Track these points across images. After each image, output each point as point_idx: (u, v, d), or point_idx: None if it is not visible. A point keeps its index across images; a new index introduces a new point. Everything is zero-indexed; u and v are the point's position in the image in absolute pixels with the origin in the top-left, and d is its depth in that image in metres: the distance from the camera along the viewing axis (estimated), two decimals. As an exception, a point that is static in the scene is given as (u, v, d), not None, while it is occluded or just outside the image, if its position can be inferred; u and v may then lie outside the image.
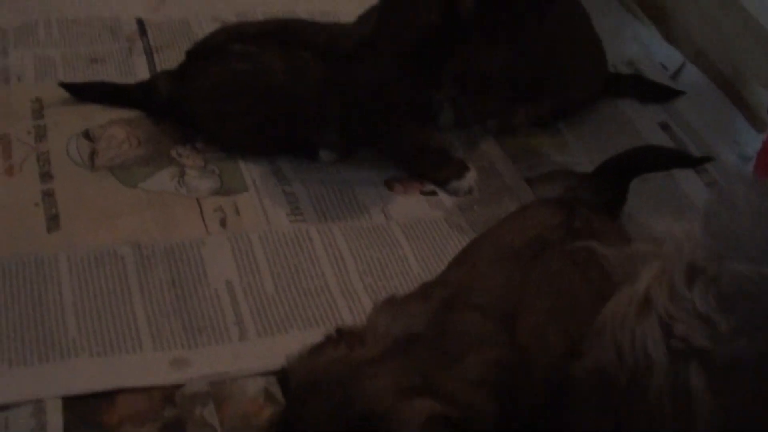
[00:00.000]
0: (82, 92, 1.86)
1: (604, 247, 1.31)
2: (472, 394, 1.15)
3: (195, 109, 1.78)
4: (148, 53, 1.99)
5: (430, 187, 1.78)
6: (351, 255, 1.62)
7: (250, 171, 1.76)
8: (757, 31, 1.91)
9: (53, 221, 1.60)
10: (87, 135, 1.78)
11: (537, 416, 1.24)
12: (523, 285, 1.30)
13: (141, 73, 1.94)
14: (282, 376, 1.23)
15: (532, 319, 1.25)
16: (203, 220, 1.64)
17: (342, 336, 1.20)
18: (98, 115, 1.82)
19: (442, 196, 1.77)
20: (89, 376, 1.39)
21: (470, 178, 1.77)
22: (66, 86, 1.85)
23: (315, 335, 1.39)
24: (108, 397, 1.37)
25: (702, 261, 1.14)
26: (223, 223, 1.65)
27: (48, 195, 1.65)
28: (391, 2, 1.65)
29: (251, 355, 1.45)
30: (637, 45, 2.17)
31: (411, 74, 1.66)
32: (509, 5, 1.62)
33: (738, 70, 1.99)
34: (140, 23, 2.06)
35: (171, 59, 1.96)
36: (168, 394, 1.39)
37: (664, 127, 1.97)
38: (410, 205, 1.74)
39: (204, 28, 2.03)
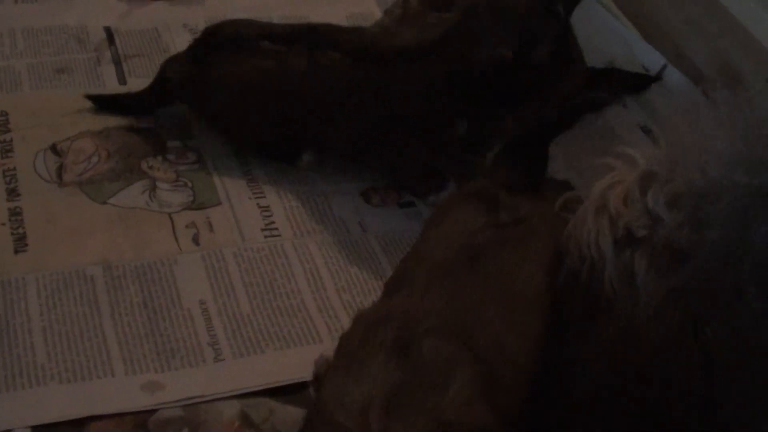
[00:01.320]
0: (107, 103, 1.82)
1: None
2: (470, 413, 1.12)
3: (209, 95, 1.74)
4: (117, 62, 1.93)
5: (409, 198, 1.74)
6: (328, 270, 1.58)
7: (224, 183, 1.71)
8: (740, 33, 1.88)
9: (20, 242, 1.55)
10: (54, 149, 1.72)
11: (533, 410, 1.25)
12: (469, 300, 1.25)
13: (110, 82, 1.89)
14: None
15: (488, 334, 1.21)
16: (175, 237, 1.60)
17: None
18: (67, 128, 1.77)
19: (421, 208, 1.73)
20: (59, 403, 1.34)
21: (449, 191, 1.72)
22: (91, 98, 1.81)
23: (292, 355, 1.38)
24: (79, 424, 1.33)
25: (657, 168, 1.23)
26: (196, 239, 1.60)
27: (15, 214, 1.60)
28: (465, 21, 1.59)
29: (227, 377, 1.41)
30: (617, 46, 2.13)
31: (458, 99, 1.59)
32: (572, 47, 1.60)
33: (722, 73, 1.95)
34: (108, 32, 2.00)
35: (141, 68, 1.92)
36: (141, 420, 1.35)
37: (646, 130, 1.94)
38: (388, 218, 1.70)
39: (174, 36, 1.99)
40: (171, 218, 1.63)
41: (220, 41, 1.73)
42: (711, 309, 1.13)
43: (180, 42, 1.97)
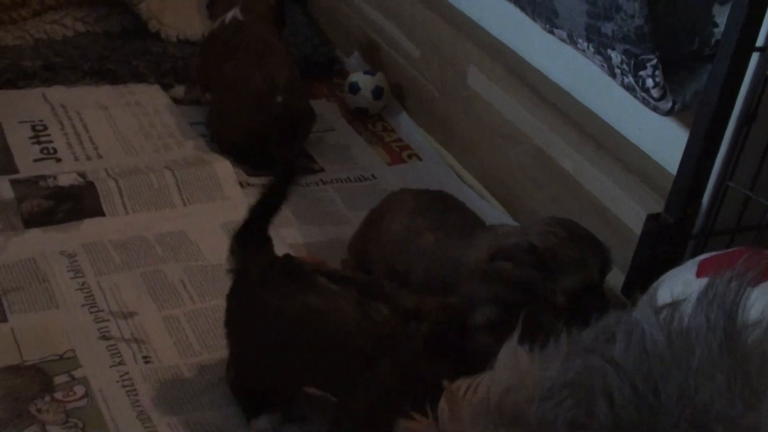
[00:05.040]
0: None
1: None
2: None
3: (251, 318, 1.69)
4: (-3, 298, 1.93)
5: None
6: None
7: (114, 419, 1.70)
8: (599, 210, 1.96)
9: None
10: (-61, 403, 1.70)
11: None
12: None
13: (-10, 318, 1.88)
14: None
15: None
16: (70, 491, 1.58)
17: None
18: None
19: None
20: None
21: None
22: None
23: None
24: None
25: None
26: (90, 489, 1.59)
27: None
28: None
29: None
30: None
31: None
32: None
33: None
34: (-15, 269, 2.00)
35: (20, 302, 1.90)
36: None
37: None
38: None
39: (52, 266, 1.99)
40: (64, 468, 1.62)
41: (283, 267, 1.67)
42: None
43: (58, 270, 1.97)
